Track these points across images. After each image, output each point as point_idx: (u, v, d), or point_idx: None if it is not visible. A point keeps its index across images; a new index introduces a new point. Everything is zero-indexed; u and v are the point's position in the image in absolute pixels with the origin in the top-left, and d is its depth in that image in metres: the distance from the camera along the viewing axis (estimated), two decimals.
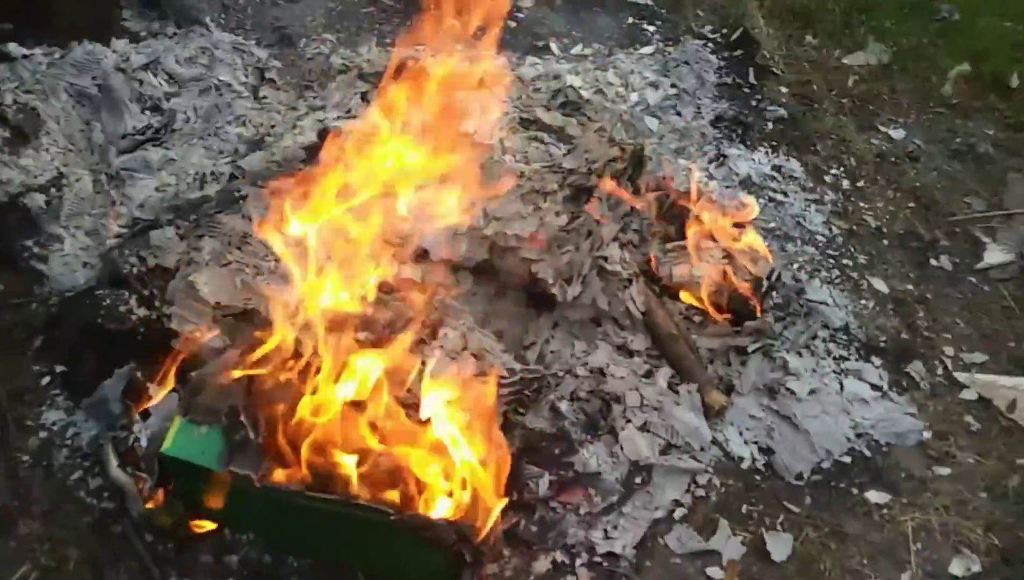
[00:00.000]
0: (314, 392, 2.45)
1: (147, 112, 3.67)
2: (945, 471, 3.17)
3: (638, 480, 2.96)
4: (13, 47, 3.66)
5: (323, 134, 3.29)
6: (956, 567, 2.91)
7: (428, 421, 2.51)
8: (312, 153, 3.26)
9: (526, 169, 3.27)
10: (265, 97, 4.00)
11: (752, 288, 3.27)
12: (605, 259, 3.18)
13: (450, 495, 2.47)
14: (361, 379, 2.51)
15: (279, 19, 4.67)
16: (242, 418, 2.42)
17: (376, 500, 2.39)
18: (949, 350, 3.57)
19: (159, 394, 2.70)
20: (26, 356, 3.04)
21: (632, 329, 3.22)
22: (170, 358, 2.71)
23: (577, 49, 4.78)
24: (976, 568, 2.91)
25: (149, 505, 2.59)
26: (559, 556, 2.76)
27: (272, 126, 3.78)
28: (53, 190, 3.39)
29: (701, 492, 2.99)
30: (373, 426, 2.48)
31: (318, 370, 2.51)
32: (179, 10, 4.40)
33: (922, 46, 5.13)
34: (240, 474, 2.38)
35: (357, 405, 2.50)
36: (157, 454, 2.48)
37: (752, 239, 3.40)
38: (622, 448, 2.99)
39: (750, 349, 3.22)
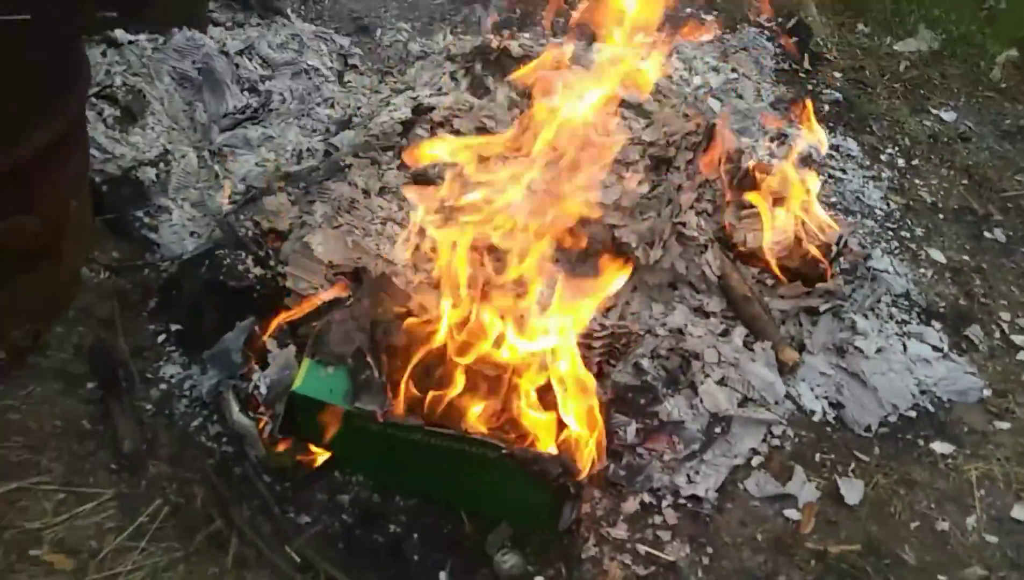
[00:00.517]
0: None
1: (245, 93, 3.90)
2: (1005, 426, 3.35)
3: (717, 430, 3.15)
4: (120, 33, 3.89)
5: (417, 110, 3.50)
6: (1018, 512, 3.09)
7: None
8: (408, 128, 3.47)
9: (608, 141, 3.46)
10: (349, 81, 4.23)
11: (822, 253, 3.45)
12: (683, 225, 3.38)
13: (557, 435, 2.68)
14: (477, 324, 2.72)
15: (355, 10, 4.91)
16: (368, 359, 2.63)
17: (488, 435, 2.60)
18: (1005, 315, 3.75)
19: (275, 346, 2.92)
20: (142, 316, 3.26)
21: (708, 292, 3.42)
22: (286, 313, 2.94)
23: (639, 37, 4.97)
24: None
25: (270, 447, 2.81)
26: (646, 498, 2.95)
27: (358, 108, 4.01)
28: (161, 165, 3.61)
29: (776, 442, 3.18)
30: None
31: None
32: (262, 1, 4.62)
33: (970, 33, 5.32)
34: (364, 410, 2.59)
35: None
36: (286, 394, 2.69)
37: (818, 210, 3.59)
38: (702, 401, 3.17)
39: (821, 309, 3.40)
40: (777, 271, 3.47)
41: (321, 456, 2.83)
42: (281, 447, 2.80)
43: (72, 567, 2.56)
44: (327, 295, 2.92)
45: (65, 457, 2.79)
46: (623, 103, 3.68)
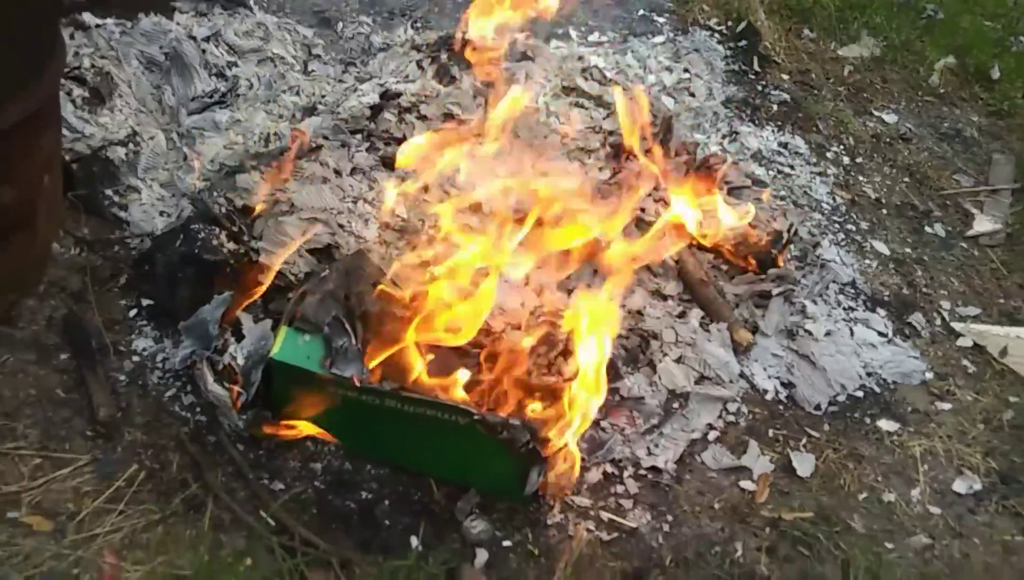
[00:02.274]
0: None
1: (213, 78, 3.95)
2: (946, 406, 3.52)
3: (675, 406, 3.27)
4: (88, 16, 3.92)
5: (385, 95, 3.59)
6: (959, 486, 3.25)
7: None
8: (376, 112, 3.56)
9: (570, 130, 3.59)
10: (314, 71, 4.30)
11: (773, 240, 3.60)
12: (643, 211, 3.50)
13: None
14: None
15: (316, 4, 4.97)
16: (345, 326, 2.72)
17: (460, 401, 2.70)
18: (946, 304, 3.94)
19: (249, 319, 2.99)
20: (113, 291, 3.29)
21: (665, 276, 3.55)
22: (260, 287, 3.01)
23: (594, 37, 5.12)
24: (977, 487, 3.26)
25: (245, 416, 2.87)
26: (608, 468, 3.07)
27: (323, 96, 4.08)
28: (130, 145, 3.65)
29: (731, 418, 3.31)
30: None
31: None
32: None
33: (910, 40, 5.54)
34: (341, 376, 2.67)
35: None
36: (263, 363, 2.76)
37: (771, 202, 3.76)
38: (660, 378, 3.30)
39: (774, 293, 3.55)
40: (733, 256, 3.61)
41: (299, 432, 2.90)
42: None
43: (51, 528, 2.60)
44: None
45: (41, 424, 2.83)
46: (583, 94, 3.80)
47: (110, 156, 3.56)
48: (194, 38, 4.02)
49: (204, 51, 4.04)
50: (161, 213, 3.53)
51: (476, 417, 2.67)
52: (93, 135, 3.59)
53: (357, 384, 2.66)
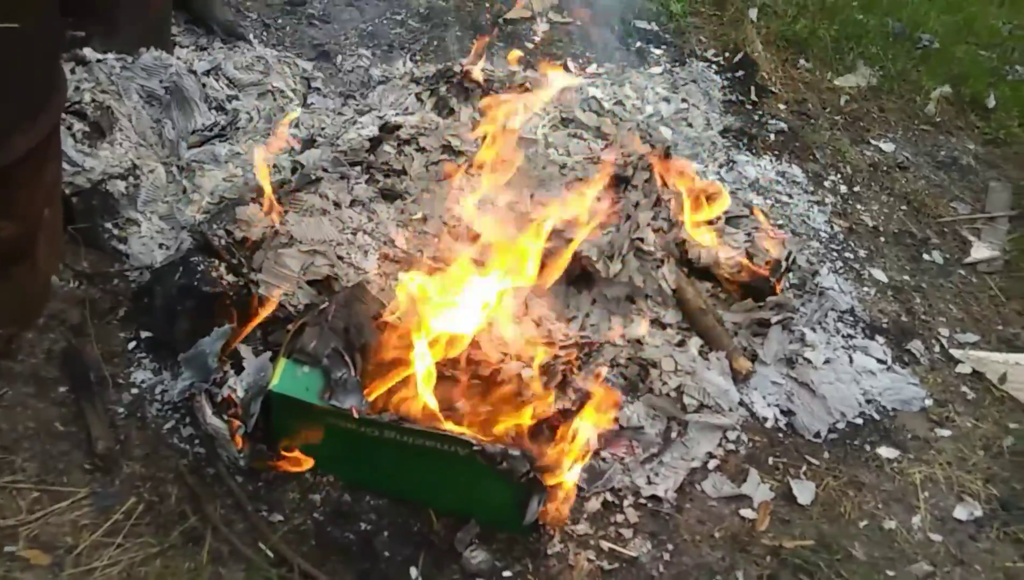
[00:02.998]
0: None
1: (213, 111, 3.98)
2: (946, 433, 3.51)
3: (674, 435, 3.27)
4: (88, 52, 3.95)
5: (384, 127, 3.61)
6: (960, 512, 3.25)
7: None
8: (375, 144, 3.58)
9: (568, 160, 3.61)
10: (313, 103, 4.33)
11: (771, 269, 3.61)
12: (641, 241, 3.52)
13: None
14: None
15: (315, 37, 5.02)
16: (344, 358, 2.72)
17: (458, 433, 2.70)
18: (944, 331, 3.94)
19: (249, 351, 3.00)
20: (112, 324, 3.30)
21: (664, 305, 3.55)
22: (259, 320, 3.02)
23: (592, 68, 5.15)
24: (978, 513, 3.25)
25: (244, 448, 2.87)
26: (608, 497, 3.06)
27: (322, 128, 4.11)
28: (130, 179, 3.67)
29: (731, 446, 3.31)
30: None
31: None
32: (224, 27, 4.71)
33: (906, 70, 5.57)
34: (340, 408, 2.68)
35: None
36: (263, 393, 2.76)
37: (770, 231, 3.77)
38: (660, 407, 3.30)
39: (772, 321, 3.55)
40: (732, 285, 3.62)
41: (299, 464, 2.89)
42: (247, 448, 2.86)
43: (48, 562, 2.59)
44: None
45: (39, 457, 2.83)
46: (582, 125, 3.82)
47: (110, 189, 3.58)
48: (194, 72, 4.06)
49: (204, 85, 4.08)
50: (160, 245, 3.54)
51: (475, 447, 2.67)
52: (93, 168, 3.61)
53: (356, 416, 2.66)
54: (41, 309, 3.24)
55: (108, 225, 3.57)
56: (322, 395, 2.70)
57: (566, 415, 2.90)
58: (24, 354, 3.11)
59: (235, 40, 4.68)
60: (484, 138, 3.68)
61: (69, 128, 3.70)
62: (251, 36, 4.79)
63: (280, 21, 5.10)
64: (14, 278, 3.10)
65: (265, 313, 3.02)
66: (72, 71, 3.90)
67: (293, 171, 3.74)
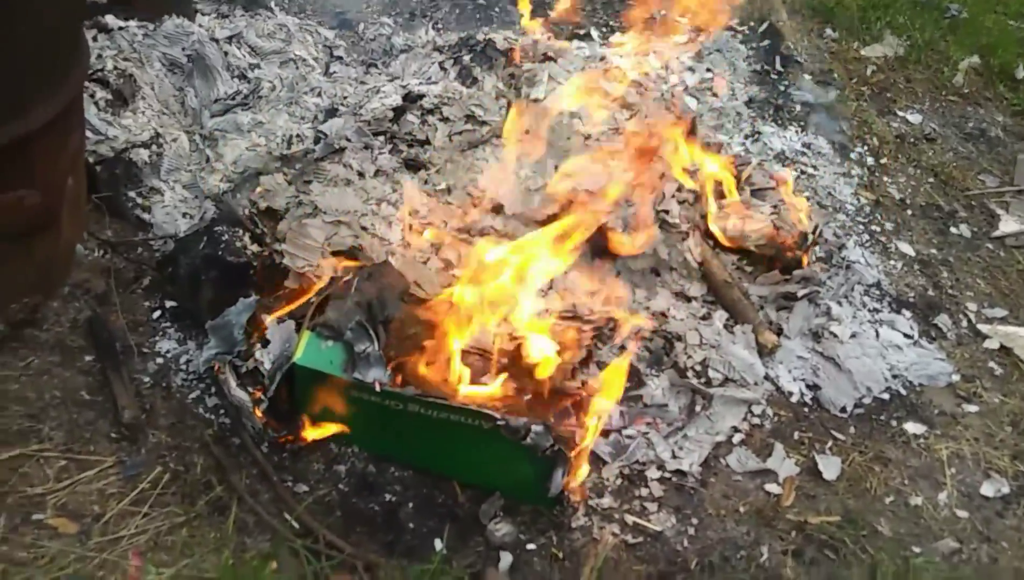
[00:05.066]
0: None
1: (235, 80, 3.95)
2: (973, 409, 3.48)
3: (699, 409, 3.25)
4: (110, 19, 3.93)
5: (408, 97, 3.58)
6: (987, 489, 3.22)
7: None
8: (399, 114, 3.55)
9: (593, 131, 3.57)
10: (335, 72, 4.30)
11: (798, 241, 3.58)
12: (666, 213, 3.48)
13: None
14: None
15: (337, 5, 4.96)
16: (368, 331, 2.71)
17: (481, 406, 2.69)
18: (972, 306, 3.90)
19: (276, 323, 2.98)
20: (137, 293, 3.30)
21: (689, 277, 3.53)
22: (287, 291, 3.00)
23: (615, 37, 5.09)
24: (1005, 490, 3.22)
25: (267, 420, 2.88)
26: (632, 471, 3.05)
27: (344, 97, 4.08)
28: (153, 147, 3.66)
29: (756, 420, 3.29)
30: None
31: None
32: None
33: (934, 40, 5.49)
34: (364, 381, 2.67)
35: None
36: (285, 366, 2.75)
37: (796, 202, 3.73)
38: (684, 381, 3.29)
39: (798, 295, 3.52)
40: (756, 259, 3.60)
41: (322, 431, 2.89)
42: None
43: (76, 530, 2.61)
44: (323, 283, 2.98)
45: (65, 426, 2.84)
46: (606, 95, 3.78)
47: (133, 158, 3.57)
48: (216, 40, 4.03)
49: (226, 53, 4.05)
50: (184, 215, 3.53)
51: (499, 421, 2.66)
52: (116, 137, 3.60)
53: (378, 389, 2.65)
54: (66, 278, 3.24)
55: (131, 194, 3.56)
56: (345, 368, 2.69)
57: (588, 389, 2.88)
58: (49, 323, 3.12)
59: (256, 7, 4.64)
60: (508, 108, 3.65)
61: (92, 96, 3.69)
62: (272, 3, 4.75)
63: None
64: (38, 247, 3.09)
65: (295, 287, 3.00)
66: (94, 38, 3.88)
67: (316, 141, 3.72)
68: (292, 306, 2.94)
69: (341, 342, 2.74)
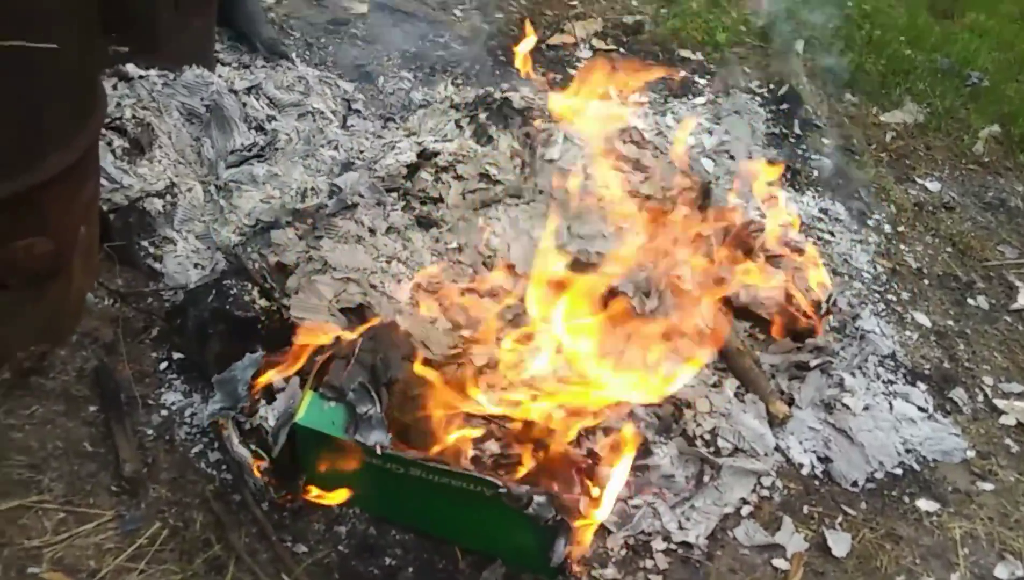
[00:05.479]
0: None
1: (252, 131, 3.97)
2: (988, 487, 3.42)
3: (707, 479, 3.20)
4: (131, 68, 3.95)
5: (422, 154, 3.58)
6: (1001, 571, 3.15)
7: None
8: (413, 171, 3.55)
9: (607, 193, 3.56)
10: (353, 125, 4.31)
11: (812, 310, 3.54)
12: (679, 278, 3.46)
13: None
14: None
15: (358, 58, 5.00)
16: (371, 393, 2.68)
17: (485, 472, 2.65)
18: (988, 379, 3.84)
19: (282, 380, 2.96)
20: (145, 343, 3.29)
21: (700, 344, 3.49)
22: (295, 348, 2.97)
23: (635, 97, 5.10)
24: (1020, 573, 3.15)
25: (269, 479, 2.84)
26: (637, 542, 3.00)
27: (361, 151, 4.09)
28: (168, 197, 3.66)
29: (765, 492, 3.23)
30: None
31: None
32: (267, 45, 4.71)
33: (954, 108, 5.48)
34: (364, 444, 2.64)
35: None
36: (288, 426, 2.73)
37: (813, 269, 3.69)
38: (693, 450, 3.24)
39: (811, 364, 3.48)
40: (772, 325, 3.56)
41: (323, 492, 2.86)
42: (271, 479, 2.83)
43: None
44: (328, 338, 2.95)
45: (66, 477, 2.82)
46: (621, 157, 3.77)
47: (147, 207, 3.56)
48: (235, 91, 4.05)
49: (244, 104, 4.07)
50: (196, 265, 3.53)
51: (501, 489, 2.62)
52: (131, 186, 3.60)
53: (379, 452, 2.62)
54: (74, 326, 3.24)
55: (144, 243, 3.56)
56: (347, 429, 2.67)
57: (593, 457, 2.84)
58: (56, 371, 3.11)
59: (278, 58, 4.67)
60: (522, 167, 3.64)
61: (109, 144, 3.69)
62: (294, 55, 4.79)
63: (323, 40, 5.09)
64: (48, 295, 3.09)
65: (302, 344, 2.97)
66: (114, 87, 3.90)
67: (330, 194, 3.72)
68: (298, 363, 2.91)
69: (343, 403, 2.71)
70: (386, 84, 4.80)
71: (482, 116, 3.90)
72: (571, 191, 3.59)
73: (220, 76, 4.21)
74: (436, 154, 3.65)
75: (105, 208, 3.50)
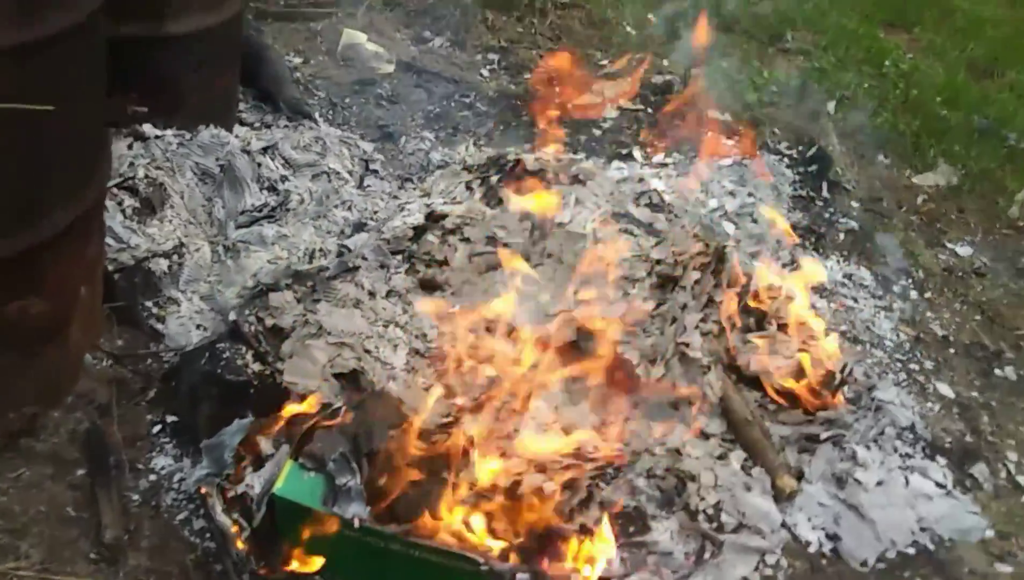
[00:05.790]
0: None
1: (265, 192, 3.97)
2: (1007, 569, 3.26)
3: (707, 555, 3.09)
4: (148, 128, 3.98)
5: (430, 216, 3.56)
6: None
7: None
8: (419, 233, 3.52)
9: (615, 257, 3.50)
10: (369, 185, 4.31)
11: (825, 381, 3.43)
12: (687, 345, 3.37)
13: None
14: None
15: (381, 118, 5.02)
16: (351, 463, 2.63)
17: (467, 549, 2.58)
18: (1012, 455, 3.69)
19: (269, 447, 2.92)
20: (140, 406, 3.28)
21: (708, 413, 3.39)
22: (284, 415, 2.93)
23: (659, 157, 5.05)
24: None
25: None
26: None
27: (375, 212, 4.08)
28: (175, 257, 3.67)
29: (769, 571, 3.11)
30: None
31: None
32: (291, 105, 4.74)
33: (990, 170, 5.34)
34: (343, 516, 2.58)
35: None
36: (268, 496, 2.68)
37: (825, 341, 3.59)
38: (694, 525, 3.13)
39: (822, 437, 3.36)
40: (777, 397, 3.45)
41: (303, 563, 2.80)
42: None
43: None
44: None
45: (46, 543, 2.78)
46: (634, 220, 3.71)
47: (152, 268, 3.57)
48: (249, 151, 4.06)
49: (259, 164, 4.08)
50: (198, 326, 3.52)
51: (483, 566, 2.54)
52: (139, 246, 3.62)
53: (356, 525, 2.56)
54: (70, 388, 3.23)
55: (148, 303, 3.56)
56: (325, 501, 2.61)
57: (585, 532, 2.76)
58: (47, 433, 3.10)
59: (301, 118, 4.70)
60: (531, 230, 3.60)
61: (119, 204, 3.72)
62: (317, 115, 4.81)
63: (348, 100, 5.12)
64: (43, 356, 3.09)
65: (288, 410, 2.94)
66: (129, 146, 3.93)
67: (339, 255, 3.71)
68: (286, 430, 2.87)
69: (323, 473, 2.66)
70: (407, 144, 4.80)
71: (493, 178, 3.88)
72: (579, 255, 3.54)
73: (236, 136, 4.24)
74: (444, 216, 3.63)
75: (111, 268, 3.51)
